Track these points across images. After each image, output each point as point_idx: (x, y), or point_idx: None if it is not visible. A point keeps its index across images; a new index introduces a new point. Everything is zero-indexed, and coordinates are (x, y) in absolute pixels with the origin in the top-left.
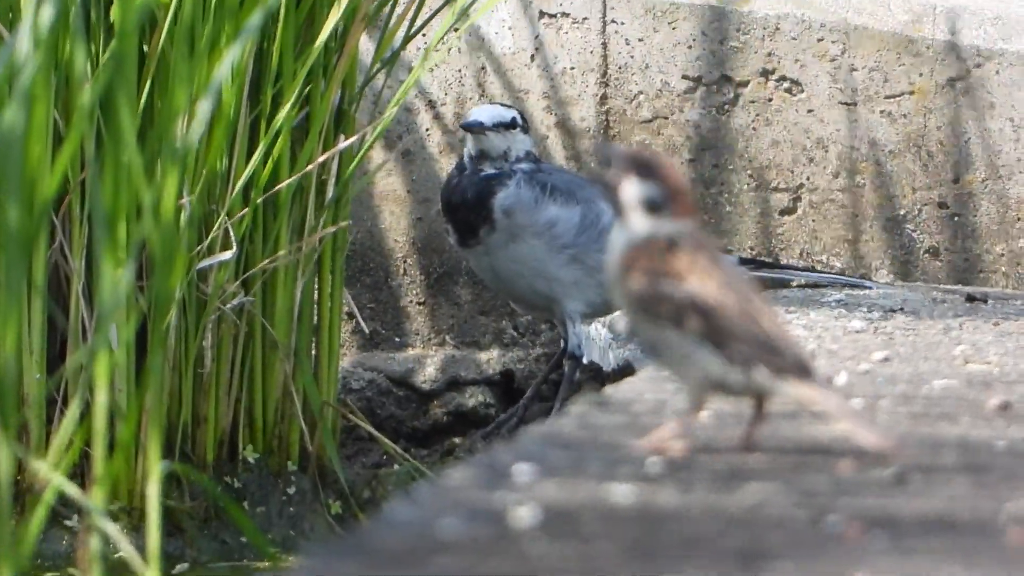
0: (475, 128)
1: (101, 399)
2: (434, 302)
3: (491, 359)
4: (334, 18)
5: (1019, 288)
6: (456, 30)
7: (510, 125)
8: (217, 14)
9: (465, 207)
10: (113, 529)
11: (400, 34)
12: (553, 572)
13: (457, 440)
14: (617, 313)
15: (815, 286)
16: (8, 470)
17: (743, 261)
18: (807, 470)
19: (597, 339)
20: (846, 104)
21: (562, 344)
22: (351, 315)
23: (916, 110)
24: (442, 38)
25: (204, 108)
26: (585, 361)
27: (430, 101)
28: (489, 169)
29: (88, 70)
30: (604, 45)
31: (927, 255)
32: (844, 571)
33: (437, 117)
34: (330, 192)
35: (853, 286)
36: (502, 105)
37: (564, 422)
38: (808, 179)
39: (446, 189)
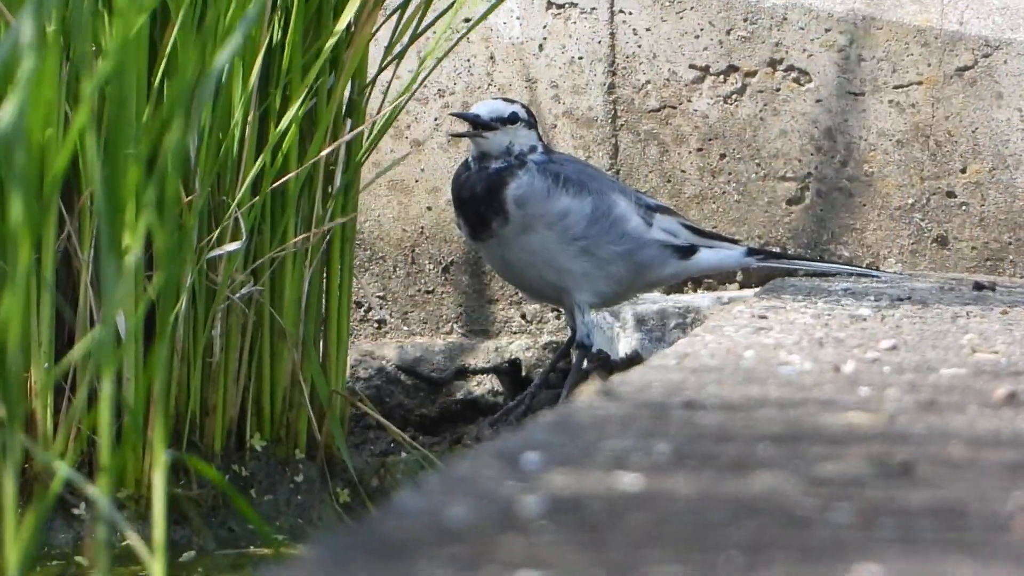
0: (470, 119)
1: (107, 388)
2: (442, 291)
3: (499, 347)
4: (349, 13)
5: None
6: (467, 21)
7: (509, 120)
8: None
9: (476, 200)
10: (119, 518)
11: (411, 25)
12: (561, 561)
13: (465, 428)
14: (626, 303)
15: (823, 275)
16: (15, 459)
17: (751, 251)
18: (816, 459)
19: (605, 328)
20: (854, 94)
21: (570, 333)
22: (360, 304)
23: (924, 100)
24: (449, 27)
25: (205, 92)
26: (593, 350)
27: (439, 90)
28: (496, 164)
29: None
30: (612, 35)
31: (935, 244)
32: (851, 561)
33: (446, 107)
34: (337, 181)
35: (861, 275)
36: (504, 100)
37: (572, 410)
38: (816, 168)
39: (456, 184)
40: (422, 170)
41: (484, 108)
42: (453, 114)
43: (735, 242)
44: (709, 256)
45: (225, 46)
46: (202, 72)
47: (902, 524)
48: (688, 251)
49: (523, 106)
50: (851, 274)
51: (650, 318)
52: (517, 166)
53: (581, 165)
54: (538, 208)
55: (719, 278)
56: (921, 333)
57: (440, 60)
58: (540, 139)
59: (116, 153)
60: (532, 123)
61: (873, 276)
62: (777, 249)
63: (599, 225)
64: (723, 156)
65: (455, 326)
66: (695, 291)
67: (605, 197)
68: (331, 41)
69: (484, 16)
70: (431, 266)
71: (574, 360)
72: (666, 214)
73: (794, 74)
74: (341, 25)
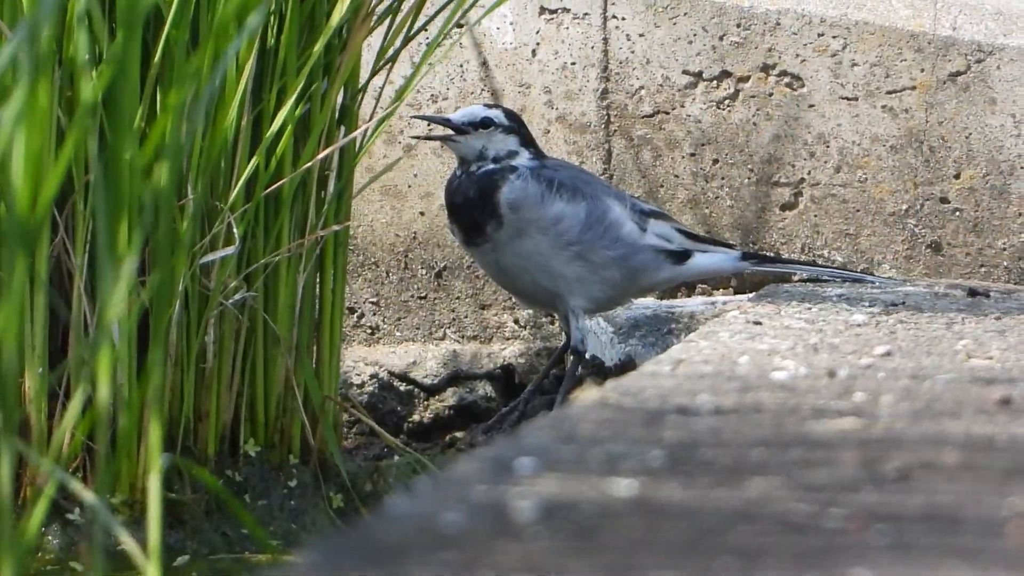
0: (439, 123)
1: (102, 393)
2: (435, 296)
3: (492, 353)
4: (337, 16)
5: (1021, 283)
6: (461, 26)
7: (481, 124)
8: (221, 9)
9: (469, 205)
10: (114, 522)
11: (403, 30)
12: (555, 566)
13: (458, 434)
14: (620, 308)
15: (817, 281)
16: (9, 465)
17: (745, 256)
18: (810, 465)
19: (599, 334)
20: (847, 99)
21: (564, 338)
22: (353, 309)
23: (917, 105)
24: (445, 32)
25: (203, 101)
26: (587, 356)
27: (432, 96)
28: (484, 166)
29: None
30: (605, 40)
31: (929, 250)
32: (845, 567)
33: (439, 112)
34: (331, 187)
35: (855, 281)
36: (485, 105)
37: (566, 416)
38: (809, 174)
39: (448, 190)
40: (415, 175)
41: (459, 112)
42: (418, 116)
43: (729, 246)
44: (703, 261)
45: (221, 50)
46: (198, 76)
47: (896, 529)
48: (682, 256)
49: (504, 111)
50: (845, 279)
51: (644, 323)
52: (508, 170)
53: (575, 170)
54: (532, 213)
55: (713, 283)
56: (916, 339)
57: (433, 65)
58: (528, 144)
59: (115, 158)
60: (512, 128)
61: (867, 282)
62: (771, 254)
63: (593, 230)
64: (716, 161)
65: (448, 332)
66: (689, 296)
67: (599, 202)
68: (323, 41)
69: (478, 20)
70: (424, 271)
71: (568, 366)
72: (660, 219)
73: (787, 79)
74: (335, 21)
